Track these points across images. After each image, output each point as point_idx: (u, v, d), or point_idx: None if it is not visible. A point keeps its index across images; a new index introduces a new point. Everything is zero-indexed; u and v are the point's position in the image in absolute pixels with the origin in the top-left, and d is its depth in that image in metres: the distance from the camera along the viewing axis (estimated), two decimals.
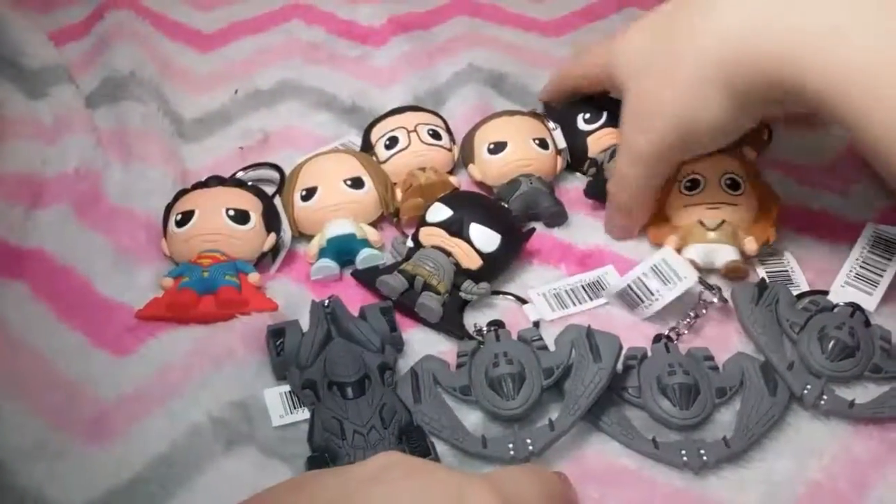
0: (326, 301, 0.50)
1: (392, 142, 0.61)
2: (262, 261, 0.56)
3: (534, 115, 0.64)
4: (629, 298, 0.51)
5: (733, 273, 0.53)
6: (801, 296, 0.52)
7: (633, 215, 0.56)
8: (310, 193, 0.57)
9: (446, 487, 0.32)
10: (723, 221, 0.54)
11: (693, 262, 0.52)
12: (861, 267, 0.52)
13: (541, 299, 0.53)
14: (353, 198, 0.57)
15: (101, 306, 0.53)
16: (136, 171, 0.62)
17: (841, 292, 0.51)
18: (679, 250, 0.53)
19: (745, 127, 0.50)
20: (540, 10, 0.84)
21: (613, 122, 0.60)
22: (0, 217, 0.58)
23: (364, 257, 0.55)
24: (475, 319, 0.52)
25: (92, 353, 0.50)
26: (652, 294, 0.50)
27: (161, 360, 0.50)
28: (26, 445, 0.45)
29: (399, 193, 0.59)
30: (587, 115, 0.63)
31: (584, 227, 0.58)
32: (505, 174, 0.60)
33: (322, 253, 0.55)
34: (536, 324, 0.51)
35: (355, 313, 0.50)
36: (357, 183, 0.58)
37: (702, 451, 0.43)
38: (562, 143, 0.62)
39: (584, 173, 0.63)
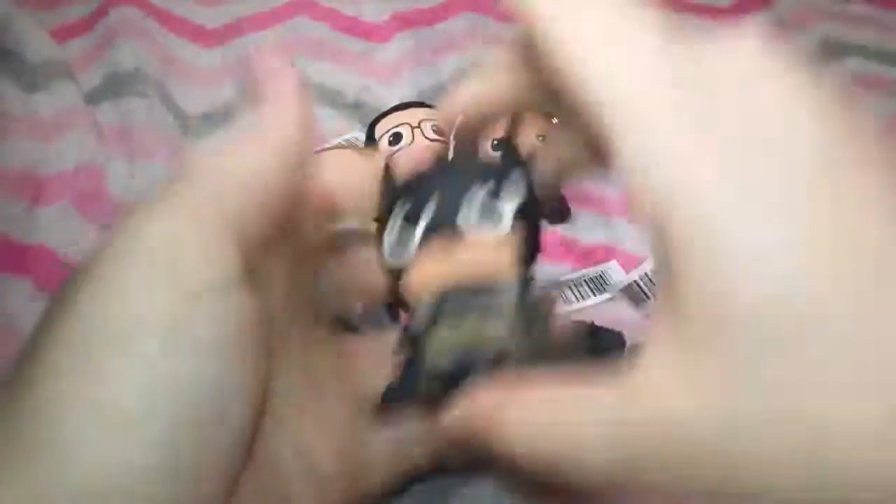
0: None
1: (395, 138, 0.61)
2: None
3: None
4: (634, 294, 0.51)
5: None
6: None
7: None
8: None
9: None
10: None
11: None
12: None
13: None
14: None
15: None
16: (140, 166, 0.62)
17: None
18: None
19: None
20: None
21: None
22: (1, 213, 0.58)
23: None
24: None
25: None
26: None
27: None
28: None
29: None
30: None
31: (588, 223, 0.59)
32: None
33: None
34: None
35: None
36: None
37: None
38: None
39: None
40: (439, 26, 0.81)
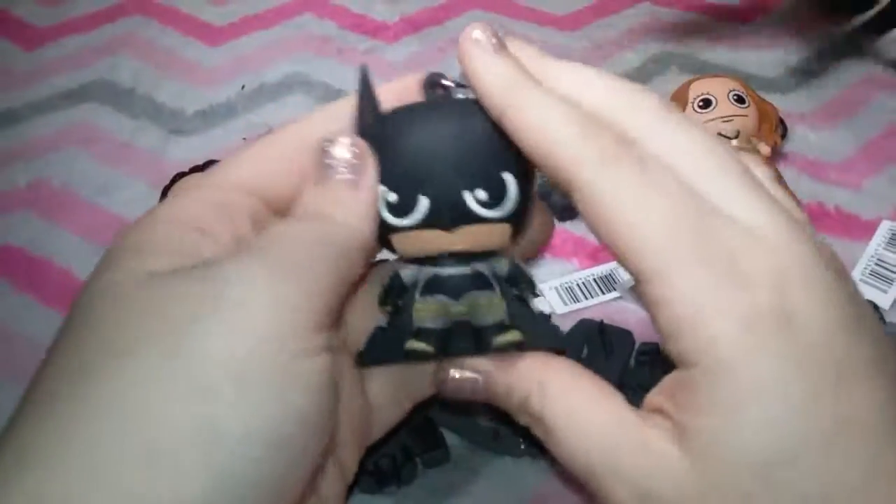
0: None
1: None
2: None
3: None
4: None
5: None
6: None
7: None
8: None
9: None
10: (738, 132, 0.58)
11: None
12: (876, 264, 0.52)
13: (552, 293, 0.53)
14: None
15: None
16: (108, 173, 0.64)
17: None
18: None
19: None
20: (554, 4, 0.83)
21: None
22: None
23: None
24: None
25: None
26: None
27: None
28: None
29: None
30: None
31: None
32: None
33: None
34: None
35: None
36: None
37: None
38: None
39: None
40: (448, 24, 0.81)
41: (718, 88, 0.61)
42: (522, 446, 0.43)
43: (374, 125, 0.31)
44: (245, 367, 0.25)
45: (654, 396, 0.29)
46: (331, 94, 0.72)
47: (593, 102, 0.29)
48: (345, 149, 0.30)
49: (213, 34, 0.80)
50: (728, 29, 0.80)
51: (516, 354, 0.30)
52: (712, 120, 0.59)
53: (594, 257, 0.56)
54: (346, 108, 0.32)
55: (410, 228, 0.30)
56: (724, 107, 0.59)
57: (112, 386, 0.24)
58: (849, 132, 0.65)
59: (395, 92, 0.32)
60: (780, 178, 0.57)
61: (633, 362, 0.47)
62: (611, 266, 0.54)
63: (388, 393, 0.34)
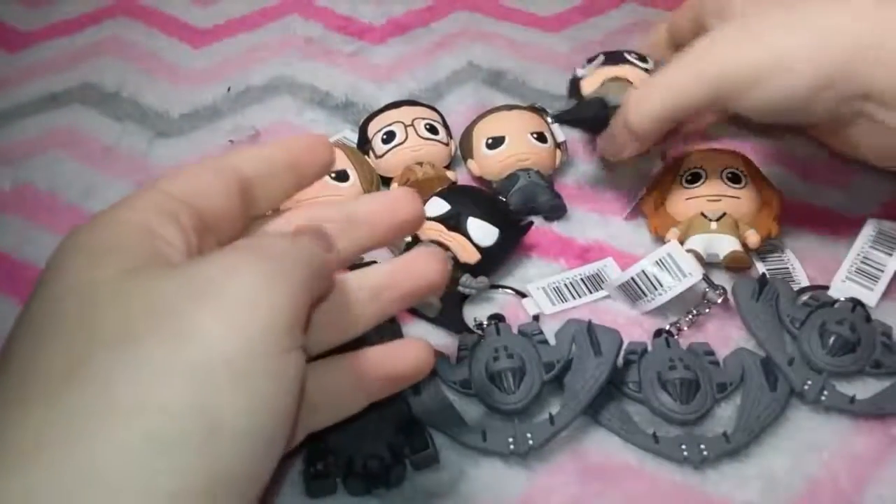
0: None
1: (389, 136, 0.61)
2: None
3: (532, 109, 0.64)
4: (631, 291, 0.51)
5: (735, 263, 0.53)
6: (801, 291, 0.52)
7: (637, 139, 0.53)
8: None
9: None
10: (724, 213, 0.53)
11: (696, 254, 0.52)
12: (862, 262, 0.52)
13: (540, 293, 0.53)
14: (337, 191, 0.57)
15: None
16: (93, 176, 0.64)
17: (842, 287, 0.51)
18: (681, 242, 0.53)
19: (811, 114, 0.47)
20: (539, 5, 0.83)
21: (609, 63, 0.61)
22: None
23: None
24: (475, 313, 0.51)
25: None
26: (655, 288, 0.50)
27: None
28: None
29: (396, 188, 0.59)
30: (585, 64, 0.63)
31: (584, 221, 0.58)
32: (503, 169, 0.60)
33: None
34: (536, 318, 0.51)
35: None
36: (342, 176, 0.57)
37: (702, 446, 0.43)
38: (560, 137, 0.62)
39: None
40: (434, 26, 0.81)
41: (712, 164, 0.56)
42: (511, 447, 0.43)
43: None
44: (242, 360, 0.26)
45: None
46: (317, 96, 0.71)
47: None
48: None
49: (198, 36, 0.80)
50: None
51: None
52: (696, 198, 0.55)
53: (581, 257, 0.56)
54: (279, 152, 0.35)
55: None
56: (714, 185, 0.55)
57: (108, 378, 0.25)
58: None
59: None
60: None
61: (621, 361, 0.47)
62: (598, 265, 0.55)
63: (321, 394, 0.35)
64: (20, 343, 0.27)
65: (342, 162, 0.58)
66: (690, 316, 0.51)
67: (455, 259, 0.52)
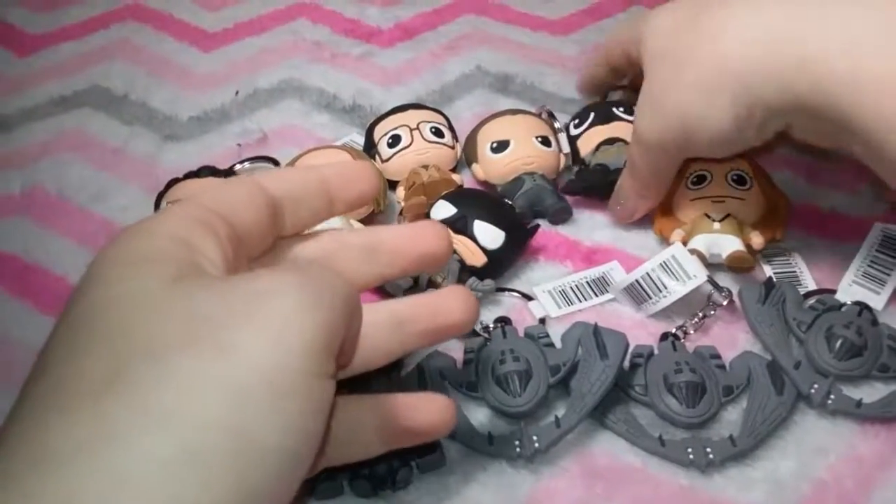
0: None
1: (395, 140, 0.61)
2: None
3: (538, 114, 0.64)
4: (636, 294, 0.51)
5: (738, 263, 0.53)
6: (807, 295, 0.52)
7: (640, 198, 0.55)
8: None
9: None
10: (728, 214, 0.53)
11: (699, 255, 0.51)
12: (869, 266, 0.52)
13: (546, 296, 0.53)
14: None
15: None
16: (102, 179, 0.64)
17: (849, 291, 0.51)
18: (685, 242, 0.53)
19: (750, 143, 0.48)
20: (547, 8, 0.84)
21: (600, 121, 0.61)
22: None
23: None
24: (481, 316, 0.51)
25: None
26: (660, 290, 0.50)
27: None
28: None
29: (402, 192, 0.59)
30: (575, 121, 0.63)
31: (591, 224, 0.58)
32: (508, 173, 0.60)
33: None
34: (542, 321, 0.51)
35: None
36: None
37: (708, 450, 0.43)
38: (566, 149, 0.62)
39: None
40: (442, 29, 0.81)
41: (718, 165, 0.56)
42: (517, 450, 0.43)
43: None
44: (279, 380, 0.26)
45: None
46: (324, 99, 0.72)
47: None
48: None
49: (206, 40, 0.80)
50: None
51: None
52: (701, 199, 0.55)
53: (588, 259, 0.56)
54: (312, 178, 0.36)
55: None
56: (718, 186, 0.55)
57: (146, 389, 0.25)
58: None
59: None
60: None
61: (627, 364, 0.47)
62: (604, 268, 0.55)
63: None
64: (61, 349, 0.27)
65: None
66: (696, 319, 0.51)
67: (461, 262, 0.52)
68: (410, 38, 0.80)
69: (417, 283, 0.51)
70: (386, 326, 0.35)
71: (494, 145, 0.60)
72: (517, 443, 0.43)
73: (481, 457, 0.44)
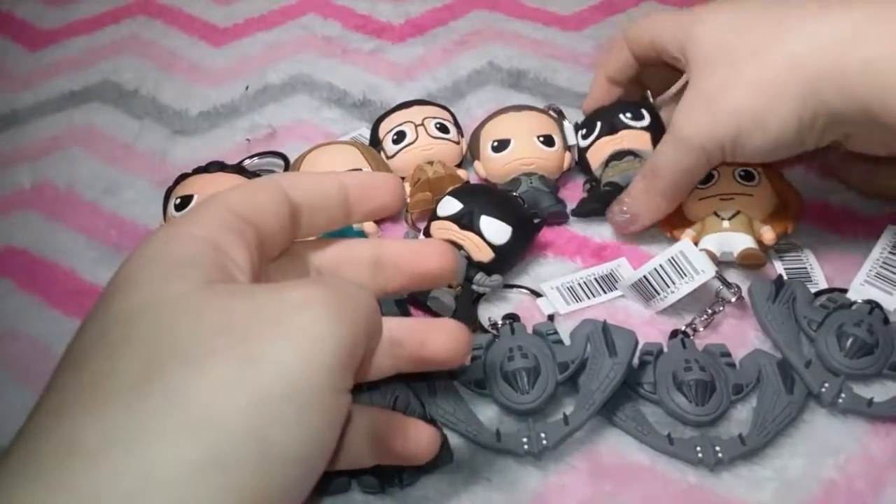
0: None
1: (400, 136, 0.61)
2: None
3: (548, 111, 0.64)
4: (644, 290, 0.51)
5: (749, 261, 0.52)
6: (818, 293, 0.52)
7: (651, 205, 0.54)
8: None
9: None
10: (737, 212, 0.53)
11: (710, 253, 0.51)
12: (881, 267, 0.51)
13: (554, 293, 0.53)
14: None
15: (92, 294, 0.54)
16: (112, 174, 0.64)
17: (860, 291, 0.51)
18: (696, 243, 0.52)
19: (804, 149, 0.48)
20: (559, 3, 0.83)
21: (607, 130, 0.60)
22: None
23: None
24: (490, 313, 0.51)
25: None
26: (668, 286, 0.50)
27: None
28: None
29: (407, 188, 0.59)
30: (583, 131, 0.62)
31: (600, 220, 0.58)
32: (507, 172, 0.59)
33: None
34: (551, 317, 0.51)
35: None
36: None
37: (717, 448, 0.43)
38: (571, 141, 0.61)
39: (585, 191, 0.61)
40: (453, 25, 0.81)
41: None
42: (525, 447, 0.43)
43: None
44: (304, 392, 0.27)
45: None
46: (334, 95, 0.72)
47: None
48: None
49: (217, 35, 0.81)
50: None
51: None
52: (709, 197, 0.54)
53: (598, 256, 0.56)
54: (333, 186, 0.36)
55: None
56: (726, 183, 0.55)
57: (177, 392, 0.26)
58: None
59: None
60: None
61: (636, 362, 0.47)
62: (611, 265, 0.54)
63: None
64: (95, 347, 0.28)
65: (357, 160, 0.58)
66: (706, 316, 0.50)
67: (469, 258, 0.52)
68: (421, 33, 0.80)
69: None
70: (382, 343, 0.35)
71: (495, 144, 0.60)
72: (525, 440, 0.43)
73: (489, 454, 0.44)
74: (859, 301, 0.49)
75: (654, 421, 0.45)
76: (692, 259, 0.50)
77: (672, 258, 0.50)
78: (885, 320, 0.48)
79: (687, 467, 0.44)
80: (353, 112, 0.70)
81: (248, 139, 0.67)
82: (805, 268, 0.54)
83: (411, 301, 0.51)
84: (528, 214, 0.55)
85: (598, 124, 0.60)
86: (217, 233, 0.31)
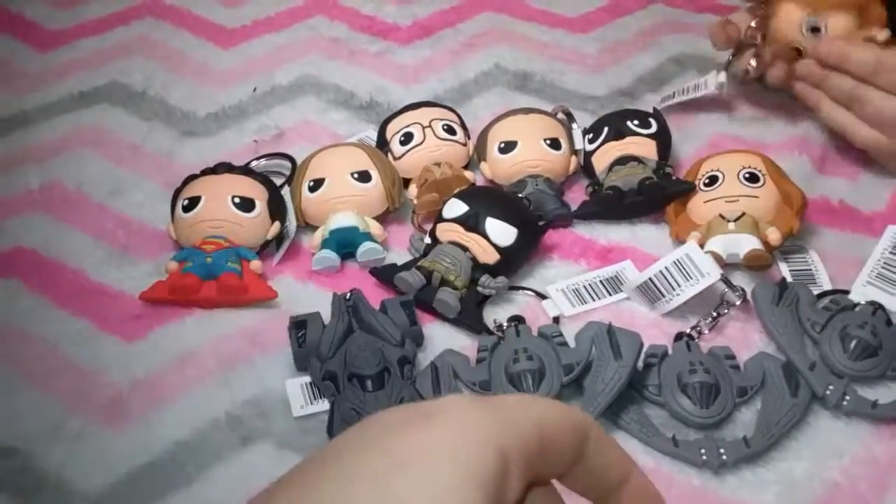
0: (348, 294, 0.50)
1: (407, 138, 0.61)
2: (267, 249, 0.57)
3: (556, 112, 0.64)
4: (649, 292, 0.51)
5: (755, 262, 0.52)
6: (821, 295, 0.52)
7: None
8: (317, 184, 0.58)
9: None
10: (742, 213, 0.53)
11: (716, 255, 0.51)
12: (882, 268, 0.51)
13: (560, 295, 0.53)
14: (359, 191, 0.57)
15: (100, 294, 0.55)
16: (120, 175, 0.65)
17: (862, 292, 0.51)
18: (702, 245, 0.52)
19: None
20: (565, 6, 0.83)
21: (613, 135, 0.60)
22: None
23: (364, 250, 0.55)
24: (495, 315, 0.51)
25: (100, 337, 0.52)
26: (673, 289, 0.50)
27: (174, 348, 0.51)
28: (44, 429, 0.46)
29: (414, 189, 0.59)
30: (590, 135, 0.62)
31: (606, 223, 0.58)
32: (513, 174, 0.60)
33: (324, 244, 0.56)
34: (556, 319, 0.51)
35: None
36: (364, 176, 0.58)
37: (721, 451, 0.43)
38: (579, 144, 0.61)
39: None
40: (461, 27, 0.81)
41: (729, 165, 0.56)
42: None
43: None
44: None
45: None
46: (341, 96, 0.72)
47: None
48: None
49: (225, 36, 0.81)
50: None
51: None
52: (714, 200, 0.55)
53: (603, 258, 0.56)
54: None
55: None
56: (731, 185, 0.55)
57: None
58: None
59: None
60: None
61: (641, 364, 0.47)
62: (617, 268, 0.54)
63: None
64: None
65: (364, 163, 0.58)
66: (710, 318, 0.50)
67: (474, 259, 0.52)
68: (429, 35, 0.80)
69: (430, 283, 0.51)
70: None
71: (502, 146, 0.60)
72: None
73: None
74: (862, 303, 0.49)
75: (659, 423, 0.46)
76: (697, 262, 0.50)
77: (678, 260, 0.50)
78: (889, 322, 0.48)
79: (691, 469, 0.44)
80: (360, 114, 0.70)
81: (255, 140, 0.67)
82: (810, 269, 0.54)
83: (417, 303, 0.51)
84: (534, 217, 0.55)
85: (606, 129, 0.60)
86: (513, 458, 0.25)
